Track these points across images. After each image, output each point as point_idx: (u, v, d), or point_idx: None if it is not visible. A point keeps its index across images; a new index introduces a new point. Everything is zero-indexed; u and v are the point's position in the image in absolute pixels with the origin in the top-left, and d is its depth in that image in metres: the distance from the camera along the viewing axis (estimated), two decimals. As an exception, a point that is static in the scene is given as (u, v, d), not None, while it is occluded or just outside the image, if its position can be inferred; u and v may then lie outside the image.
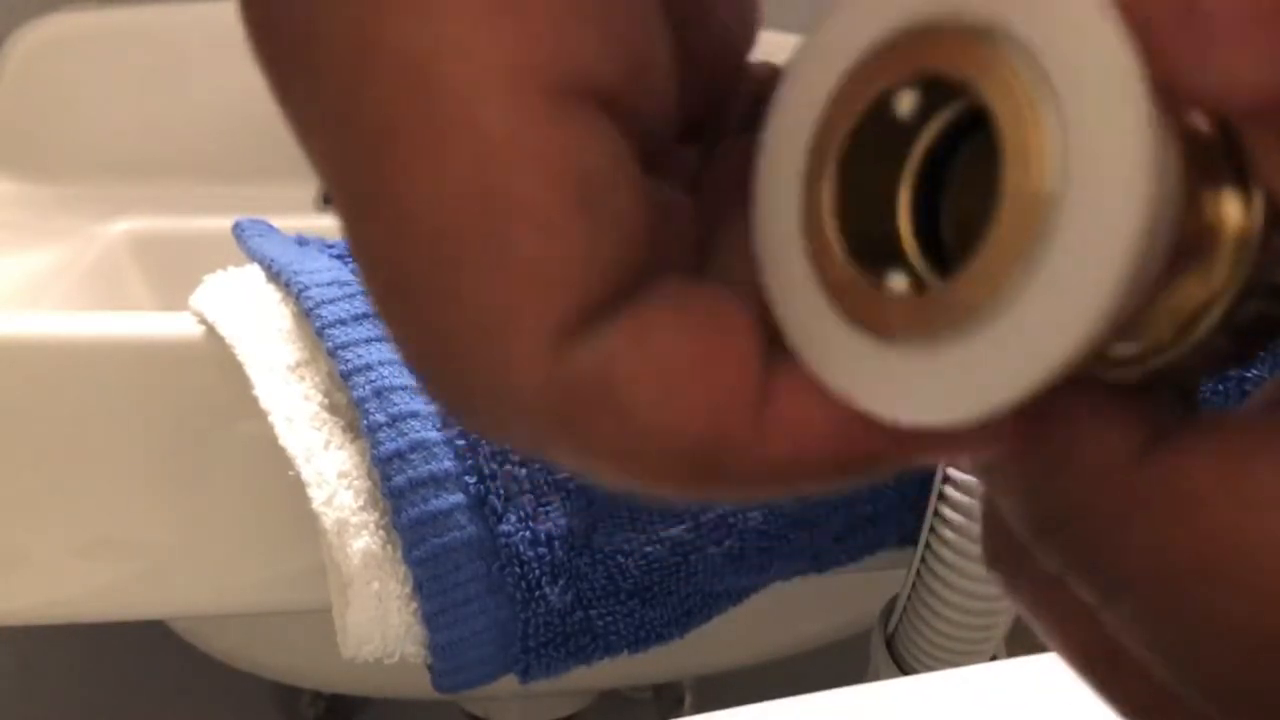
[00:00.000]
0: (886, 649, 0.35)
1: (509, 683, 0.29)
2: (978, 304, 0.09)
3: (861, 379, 0.10)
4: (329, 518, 0.26)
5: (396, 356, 0.28)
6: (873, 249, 0.10)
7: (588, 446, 0.10)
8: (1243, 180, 0.10)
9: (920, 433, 0.10)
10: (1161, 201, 0.09)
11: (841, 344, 0.10)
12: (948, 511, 0.31)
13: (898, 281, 0.10)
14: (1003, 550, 0.13)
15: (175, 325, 0.30)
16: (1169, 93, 0.09)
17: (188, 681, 0.68)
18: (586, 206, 0.09)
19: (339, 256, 0.31)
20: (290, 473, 0.26)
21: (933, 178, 0.11)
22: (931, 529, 0.32)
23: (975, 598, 0.31)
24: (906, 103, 0.10)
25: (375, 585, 0.26)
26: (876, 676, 0.36)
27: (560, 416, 0.10)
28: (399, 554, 0.26)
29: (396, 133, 0.09)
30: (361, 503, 0.26)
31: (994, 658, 0.34)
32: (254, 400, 0.27)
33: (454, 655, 0.27)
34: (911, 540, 0.33)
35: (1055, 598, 0.12)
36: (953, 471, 0.31)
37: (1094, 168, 0.09)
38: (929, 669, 0.34)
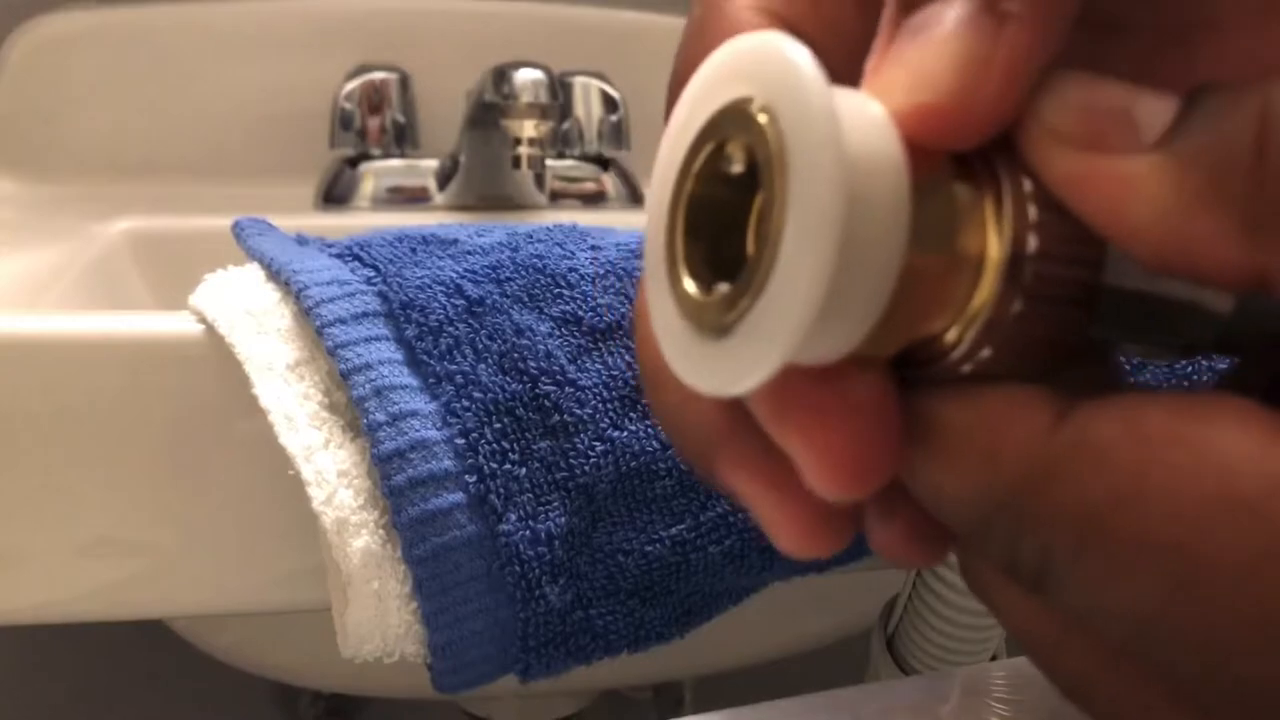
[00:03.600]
0: (887, 649, 0.35)
1: (509, 683, 0.29)
2: (741, 311, 0.13)
3: (685, 362, 0.14)
4: (328, 517, 0.26)
5: (396, 355, 0.28)
6: (726, 270, 0.13)
7: None
8: (998, 216, 0.13)
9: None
10: (857, 244, 0.12)
11: (678, 337, 0.14)
12: (948, 511, 0.31)
13: (721, 290, 0.13)
14: (963, 559, 0.16)
15: (174, 324, 0.30)
16: (927, 154, 0.13)
17: (188, 681, 0.68)
18: None
19: (338, 255, 0.31)
20: (290, 472, 0.26)
21: None
22: (932, 528, 0.31)
23: (975, 598, 0.31)
24: (736, 163, 0.13)
25: (375, 584, 0.26)
26: (877, 676, 0.36)
27: None
28: (399, 553, 0.26)
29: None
30: (361, 502, 0.26)
31: (994, 657, 0.34)
32: (253, 399, 0.27)
33: (454, 655, 0.27)
34: (912, 540, 0.32)
35: (1005, 594, 0.15)
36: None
37: (800, 213, 0.12)
38: (929, 669, 0.34)
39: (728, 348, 0.13)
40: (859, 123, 0.12)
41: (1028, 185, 0.13)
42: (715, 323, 0.13)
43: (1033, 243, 0.13)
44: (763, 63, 0.13)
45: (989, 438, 0.13)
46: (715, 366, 0.13)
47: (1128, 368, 0.29)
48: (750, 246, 0.13)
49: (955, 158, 0.13)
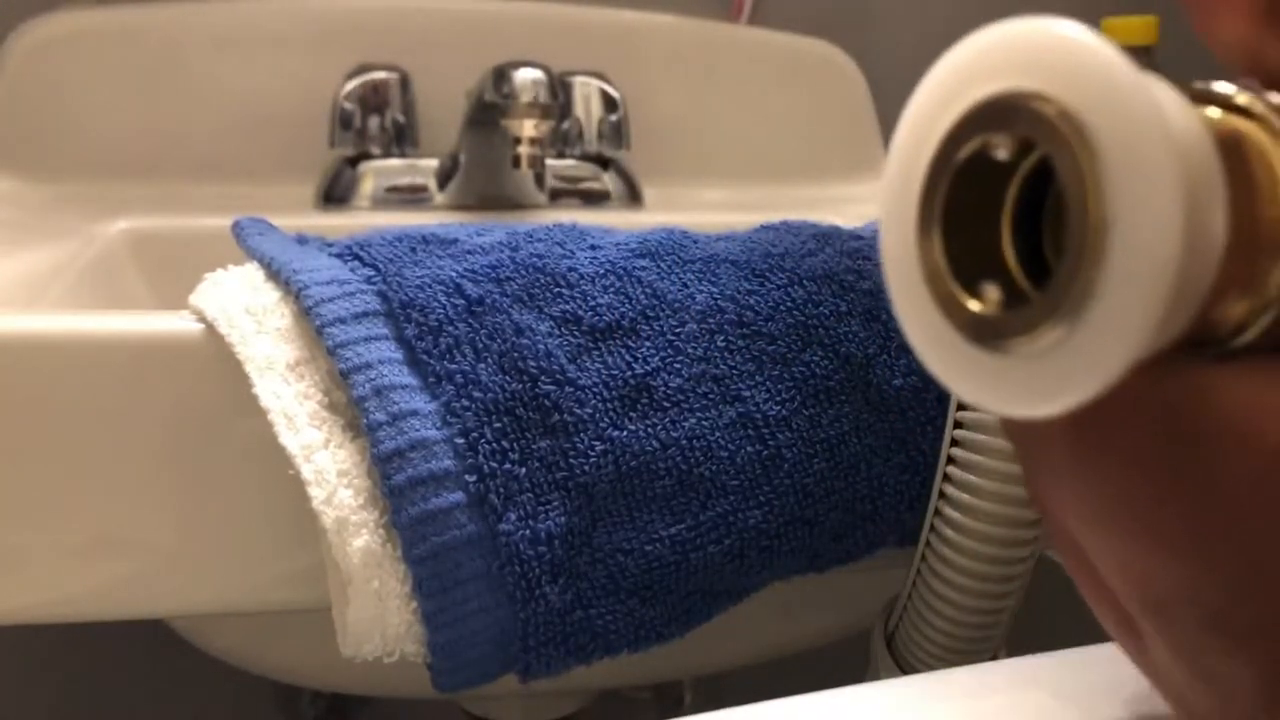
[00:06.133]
0: (887, 648, 0.35)
1: (509, 682, 0.29)
2: (1054, 315, 0.11)
3: (962, 377, 0.13)
4: (328, 516, 0.26)
5: (396, 355, 0.28)
6: (980, 271, 0.13)
7: None
8: None
9: None
10: (1193, 241, 0.11)
11: (944, 345, 0.13)
12: (948, 511, 0.31)
13: (992, 293, 0.12)
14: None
15: (174, 324, 0.30)
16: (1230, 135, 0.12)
17: (188, 681, 0.68)
18: None
19: (338, 255, 0.31)
20: (289, 471, 0.26)
21: (1028, 215, 0.13)
22: (932, 528, 0.31)
23: (975, 597, 0.31)
24: (1003, 150, 0.12)
25: (375, 584, 0.26)
26: (876, 676, 0.36)
27: None
28: (399, 553, 0.26)
29: None
30: (361, 501, 0.26)
31: (994, 657, 0.34)
32: (253, 399, 0.27)
33: (454, 654, 0.27)
34: (911, 540, 0.32)
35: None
36: (953, 470, 0.31)
37: (1130, 207, 0.11)
38: (929, 669, 0.34)
39: (1035, 365, 0.12)
40: (1167, 104, 0.11)
41: None
42: (1017, 340, 0.12)
43: None
44: (1046, 52, 0.12)
45: None
46: (1018, 383, 0.12)
47: None
48: (1012, 256, 0.13)
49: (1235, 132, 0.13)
